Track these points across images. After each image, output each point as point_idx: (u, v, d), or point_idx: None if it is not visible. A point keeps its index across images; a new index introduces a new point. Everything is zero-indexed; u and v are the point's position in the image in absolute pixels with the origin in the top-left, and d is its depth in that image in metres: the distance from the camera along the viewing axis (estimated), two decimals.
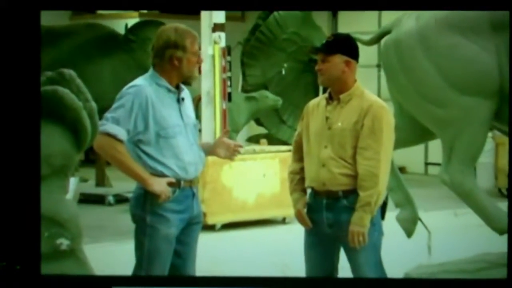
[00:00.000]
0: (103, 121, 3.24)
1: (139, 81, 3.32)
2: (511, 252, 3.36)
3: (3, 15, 3.09)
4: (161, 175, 3.26)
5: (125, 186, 8.22)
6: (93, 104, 3.30)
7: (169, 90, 3.31)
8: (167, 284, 3.27)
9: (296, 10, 9.30)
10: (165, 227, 3.27)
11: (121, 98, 3.26)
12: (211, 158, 6.83)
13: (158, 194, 3.22)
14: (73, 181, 3.49)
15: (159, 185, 3.22)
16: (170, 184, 3.26)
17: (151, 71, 3.34)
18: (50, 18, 9.41)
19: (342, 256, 3.44)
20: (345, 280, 3.41)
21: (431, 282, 3.65)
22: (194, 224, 3.40)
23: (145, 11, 11.74)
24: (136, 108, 3.22)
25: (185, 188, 3.30)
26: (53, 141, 3.11)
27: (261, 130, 10.14)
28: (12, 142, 3.10)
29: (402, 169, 7.41)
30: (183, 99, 3.35)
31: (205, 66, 7.71)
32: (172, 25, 3.33)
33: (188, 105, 3.40)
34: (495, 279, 3.85)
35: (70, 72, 3.27)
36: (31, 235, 3.08)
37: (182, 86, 3.38)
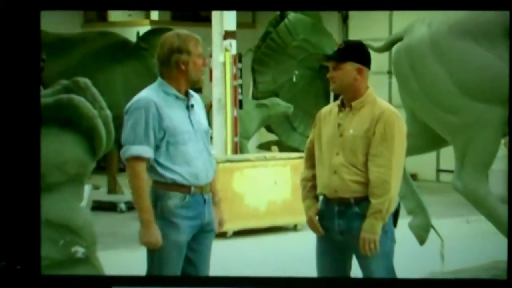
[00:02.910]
0: (125, 147, 3.24)
1: (145, 92, 3.32)
2: (511, 252, 3.33)
3: (3, 15, 3.09)
4: (171, 183, 3.27)
5: None
6: (108, 112, 3.30)
7: (178, 98, 3.32)
8: (167, 284, 3.26)
9: (306, 10, 9.30)
10: (175, 233, 3.27)
11: (132, 114, 3.26)
12: (222, 165, 6.89)
13: (143, 241, 3.23)
14: (86, 189, 3.51)
15: (151, 234, 3.21)
16: (181, 190, 3.26)
17: (159, 80, 3.35)
18: (62, 26, 9.48)
19: (354, 263, 3.43)
20: (346, 281, 3.39)
21: (432, 282, 3.63)
22: (206, 232, 3.39)
23: (156, 19, 11.79)
24: (151, 119, 3.23)
25: (195, 194, 3.31)
26: (68, 149, 3.12)
27: (272, 137, 10.13)
28: (13, 141, 3.10)
29: (413, 176, 7.38)
30: (192, 105, 3.36)
31: (216, 74, 7.74)
32: (174, 31, 3.35)
33: (199, 111, 3.41)
34: (495, 279, 3.82)
35: (85, 81, 3.28)
36: (32, 235, 3.08)
37: (192, 92, 3.39)
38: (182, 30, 3.35)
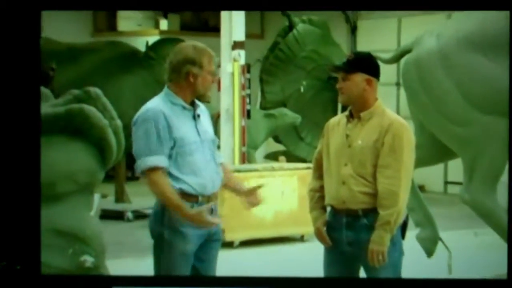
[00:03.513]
0: (140, 159, 3.24)
1: (152, 102, 3.33)
2: (511, 252, 3.31)
3: (3, 15, 3.09)
4: (179, 192, 3.28)
5: (144, 202, 8.23)
6: (119, 122, 3.31)
7: (184, 108, 3.33)
8: (168, 284, 3.25)
9: (311, 10, 9.32)
10: (182, 243, 3.27)
11: (141, 125, 3.26)
12: None
13: (204, 225, 3.24)
14: (95, 198, 3.52)
15: (202, 219, 3.22)
16: (188, 199, 3.27)
17: (165, 90, 3.35)
18: (71, 35, 9.54)
19: (362, 274, 3.42)
20: (346, 281, 3.38)
21: (431, 282, 3.60)
22: (213, 241, 3.40)
23: (165, 29, 11.85)
24: (161, 129, 3.24)
25: (203, 204, 3.31)
26: (78, 158, 3.13)
27: (280, 147, 10.13)
28: (13, 141, 3.10)
29: (421, 188, 7.37)
30: (198, 115, 3.37)
31: (224, 84, 7.76)
32: (191, 43, 3.36)
33: (205, 121, 3.42)
34: (495, 279, 3.80)
35: (96, 91, 3.29)
36: (32, 235, 3.07)
37: (198, 102, 3.40)
38: (199, 43, 3.36)
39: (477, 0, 3.39)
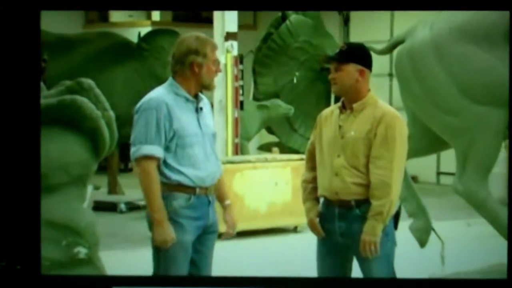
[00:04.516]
0: (136, 146, 3.24)
1: (157, 91, 3.33)
2: (511, 252, 3.33)
3: (3, 15, 3.10)
4: (176, 184, 3.28)
5: (137, 193, 8.23)
6: (111, 113, 3.30)
7: (187, 100, 3.33)
8: (167, 284, 3.26)
9: (308, 10, 9.31)
10: (180, 234, 3.27)
11: (143, 113, 3.26)
12: (223, 166, 6.88)
13: (158, 240, 3.23)
14: (88, 189, 3.52)
15: (165, 233, 3.21)
16: (186, 191, 3.26)
17: (170, 80, 3.36)
18: (63, 27, 9.49)
19: (355, 265, 3.43)
20: (346, 281, 3.39)
21: (431, 282, 3.62)
22: (210, 233, 3.40)
23: (157, 20, 11.80)
24: (162, 119, 3.25)
25: (200, 195, 3.32)
26: (71, 150, 3.13)
27: (273, 138, 10.13)
28: (12, 141, 3.10)
29: (413, 178, 7.39)
30: (201, 108, 3.37)
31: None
32: (193, 34, 3.37)
33: (207, 114, 3.42)
34: (495, 279, 3.82)
35: (88, 82, 3.29)
36: (32, 235, 3.08)
37: (201, 95, 3.41)
38: (201, 34, 3.38)
39: (477, 0, 3.39)
